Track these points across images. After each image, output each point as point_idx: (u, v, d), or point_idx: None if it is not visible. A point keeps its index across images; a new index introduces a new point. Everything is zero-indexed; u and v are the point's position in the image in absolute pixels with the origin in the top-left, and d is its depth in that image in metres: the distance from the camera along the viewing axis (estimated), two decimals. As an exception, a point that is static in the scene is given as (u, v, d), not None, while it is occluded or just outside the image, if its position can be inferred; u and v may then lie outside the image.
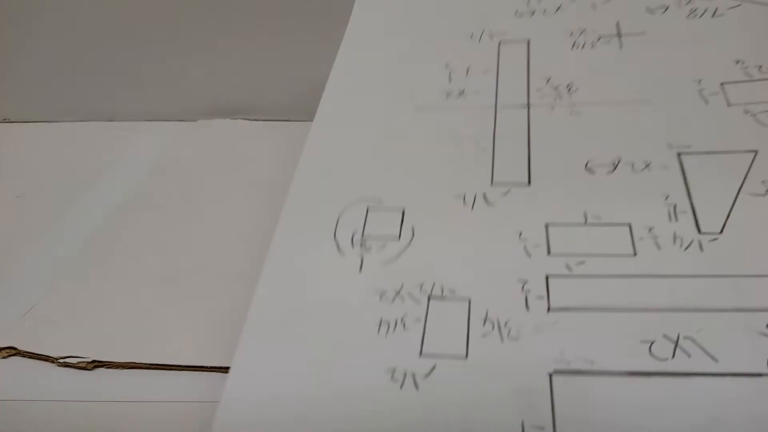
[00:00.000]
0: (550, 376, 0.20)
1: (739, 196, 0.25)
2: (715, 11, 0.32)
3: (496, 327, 0.22)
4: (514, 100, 0.30)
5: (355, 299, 0.23)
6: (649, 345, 0.21)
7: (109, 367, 0.26)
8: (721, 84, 0.29)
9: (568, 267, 0.23)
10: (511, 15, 0.34)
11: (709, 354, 0.20)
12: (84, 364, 0.26)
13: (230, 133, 0.47)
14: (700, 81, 0.29)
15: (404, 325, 0.22)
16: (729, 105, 0.28)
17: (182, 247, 0.33)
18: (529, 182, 0.26)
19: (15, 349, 0.26)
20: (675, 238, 0.24)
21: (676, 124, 0.27)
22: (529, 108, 0.29)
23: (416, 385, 0.21)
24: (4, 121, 0.50)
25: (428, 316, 0.22)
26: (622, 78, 0.30)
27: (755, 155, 0.26)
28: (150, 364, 0.26)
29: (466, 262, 0.24)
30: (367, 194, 0.27)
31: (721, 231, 0.24)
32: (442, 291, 0.23)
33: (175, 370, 0.26)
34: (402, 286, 0.23)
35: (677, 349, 0.21)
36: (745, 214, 0.24)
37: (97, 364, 0.26)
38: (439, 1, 0.36)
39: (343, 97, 0.32)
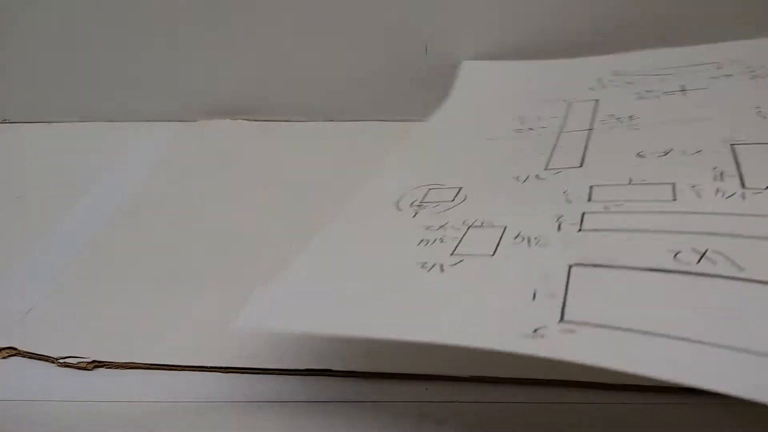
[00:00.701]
0: (570, 267, 0.21)
1: None
2: None
3: (526, 239, 0.23)
4: (578, 128, 0.33)
5: (402, 230, 0.26)
6: (674, 254, 0.21)
7: (109, 367, 0.26)
8: None
9: (606, 208, 0.25)
10: (585, 89, 0.38)
11: (736, 264, 0.20)
12: (84, 364, 0.26)
13: (230, 133, 0.47)
14: (758, 106, 0.31)
15: (442, 240, 0.25)
16: None
17: (182, 247, 0.33)
18: (582, 165, 0.29)
19: (15, 349, 0.26)
20: (717, 191, 0.24)
21: (732, 129, 0.29)
22: (590, 131, 0.32)
23: (442, 270, 0.23)
24: (4, 121, 0.50)
25: (465, 236, 0.25)
26: (683, 109, 0.32)
27: None
28: (150, 364, 0.26)
29: (509, 208, 0.26)
30: (431, 181, 0.30)
31: (766, 188, 0.24)
32: (482, 224, 0.25)
33: (175, 370, 0.26)
34: (447, 223, 0.26)
35: (703, 258, 0.21)
36: None
37: (97, 364, 0.26)
38: (523, 88, 0.40)
39: (427, 134, 0.36)
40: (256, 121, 0.48)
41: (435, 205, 0.28)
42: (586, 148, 0.30)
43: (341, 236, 0.27)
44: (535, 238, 0.23)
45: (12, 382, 0.25)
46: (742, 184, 0.24)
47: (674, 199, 0.24)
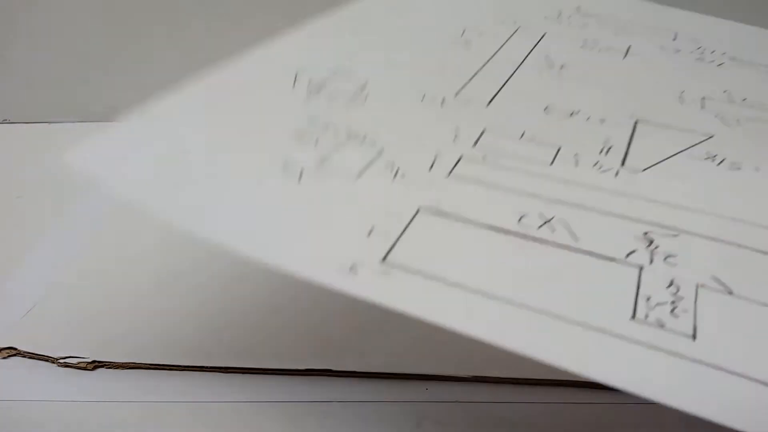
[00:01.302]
0: (418, 209, 0.21)
1: (678, 155, 0.25)
2: (721, 63, 0.34)
3: (394, 170, 0.22)
4: (508, 61, 0.31)
5: (284, 109, 0.24)
6: (520, 217, 0.21)
7: (109, 367, 0.26)
8: (702, 97, 0.30)
9: (484, 158, 0.24)
10: (540, 17, 0.36)
11: (572, 233, 0.21)
12: (84, 364, 0.26)
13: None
14: (683, 91, 0.31)
15: (317, 142, 0.23)
16: (702, 108, 0.29)
17: (182, 247, 0.33)
18: (489, 104, 0.27)
19: (15, 349, 0.26)
20: (596, 163, 0.24)
21: (645, 105, 0.29)
22: (519, 66, 0.31)
23: (300, 178, 0.21)
24: (4, 121, 0.50)
25: (342, 147, 0.23)
26: (614, 74, 0.31)
27: (709, 138, 0.27)
28: (150, 364, 0.26)
29: (398, 128, 0.25)
30: (342, 63, 0.28)
31: (644, 170, 0.24)
32: (365, 138, 0.24)
33: (175, 370, 0.26)
34: (331, 122, 0.24)
35: (546, 225, 0.21)
36: (675, 166, 0.25)
37: (97, 364, 0.26)
38: None
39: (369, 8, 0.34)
40: (256, 121, 0.48)
41: (334, 94, 0.26)
42: (503, 85, 0.29)
43: (215, 86, 0.25)
44: (403, 173, 0.22)
45: (12, 382, 0.25)
46: (623, 162, 0.25)
47: (551, 164, 0.24)
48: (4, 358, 0.26)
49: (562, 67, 0.32)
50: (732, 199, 0.24)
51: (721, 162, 0.26)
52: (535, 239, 0.21)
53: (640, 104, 0.29)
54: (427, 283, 0.19)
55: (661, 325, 0.18)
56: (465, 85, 0.29)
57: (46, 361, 0.26)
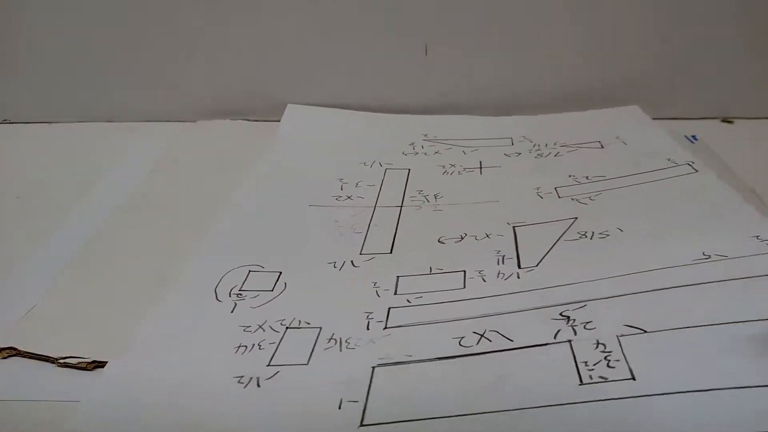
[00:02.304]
0: (373, 368, 0.24)
1: (558, 243, 0.31)
2: (557, 153, 0.41)
3: (337, 343, 0.26)
4: (391, 203, 0.37)
5: (221, 331, 0.27)
6: (459, 339, 0.25)
7: (109, 367, 0.26)
8: (555, 187, 0.37)
9: (408, 301, 0.28)
10: (398, 154, 0.42)
11: (506, 337, 0.25)
12: (84, 364, 0.26)
13: (230, 133, 0.47)
14: (538, 187, 0.37)
15: (259, 346, 0.26)
16: (559, 197, 0.36)
17: (182, 247, 0.33)
18: (391, 251, 0.32)
19: (15, 349, 0.26)
20: (499, 274, 0.29)
21: (515, 211, 0.34)
22: (401, 207, 0.36)
23: (258, 385, 0.24)
24: (5, 121, 0.50)
25: (282, 341, 0.26)
26: (479, 190, 0.38)
27: (575, 220, 0.33)
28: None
29: (324, 304, 0.28)
30: (251, 261, 0.31)
31: (537, 264, 0.29)
32: (300, 323, 0.27)
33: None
34: (265, 322, 0.27)
35: (482, 339, 0.25)
36: (560, 253, 0.30)
37: (97, 364, 0.26)
38: (343, 140, 0.44)
39: (252, 195, 0.38)
40: (256, 121, 0.48)
41: (255, 295, 0.29)
42: (396, 231, 0.34)
43: (161, 335, 0.27)
44: (347, 340, 0.26)
45: (12, 382, 0.25)
46: (519, 265, 0.30)
47: (464, 287, 0.28)
48: (4, 358, 0.26)
49: (435, 197, 0.37)
50: (612, 260, 0.29)
51: (592, 235, 0.31)
52: (479, 354, 0.24)
53: (510, 211, 0.35)
54: (407, 428, 0.22)
55: (605, 379, 0.22)
56: (364, 240, 0.33)
57: (46, 361, 0.26)
